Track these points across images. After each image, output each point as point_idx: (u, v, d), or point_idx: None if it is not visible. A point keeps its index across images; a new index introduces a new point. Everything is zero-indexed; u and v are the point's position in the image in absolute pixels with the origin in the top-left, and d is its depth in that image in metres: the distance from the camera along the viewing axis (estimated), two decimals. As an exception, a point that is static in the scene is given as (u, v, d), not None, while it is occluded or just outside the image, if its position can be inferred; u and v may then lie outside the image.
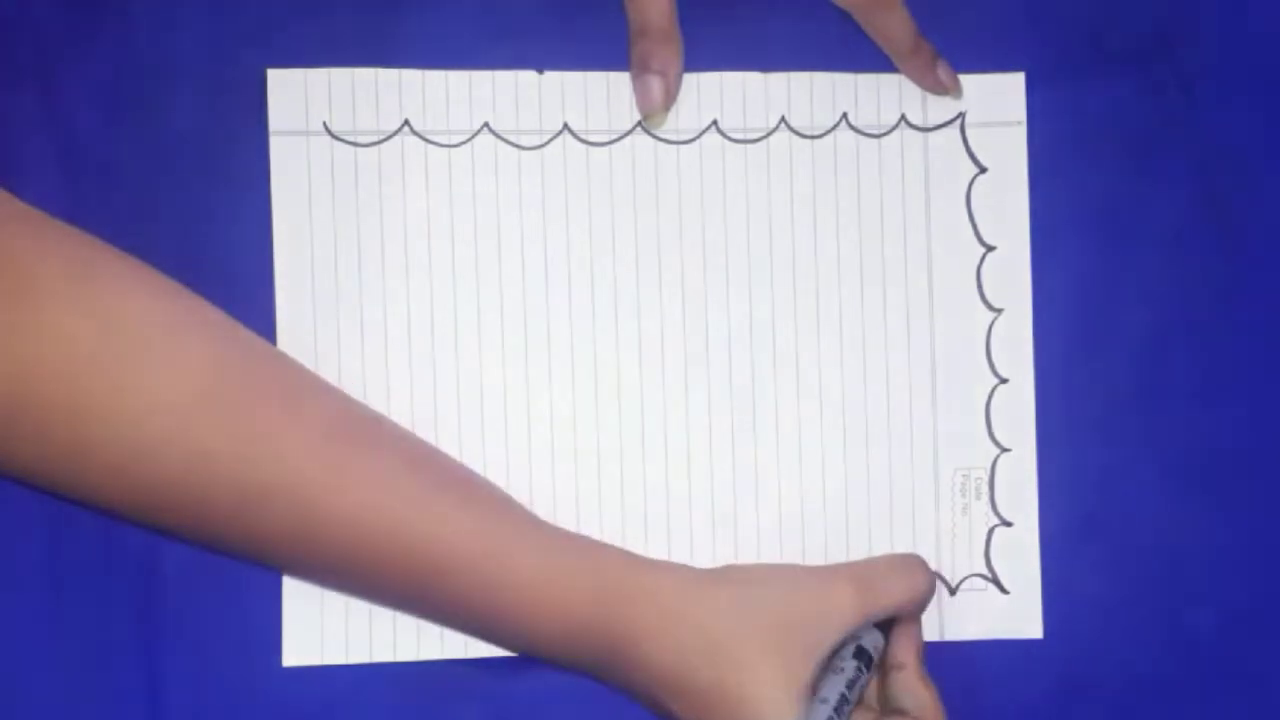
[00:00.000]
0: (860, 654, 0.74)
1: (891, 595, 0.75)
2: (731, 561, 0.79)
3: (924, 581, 0.76)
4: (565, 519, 0.78)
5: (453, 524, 0.72)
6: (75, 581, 0.77)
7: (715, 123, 0.80)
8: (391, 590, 0.73)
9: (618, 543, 0.78)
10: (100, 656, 0.77)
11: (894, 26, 0.79)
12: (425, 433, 0.78)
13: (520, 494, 0.78)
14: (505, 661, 0.78)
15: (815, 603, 0.73)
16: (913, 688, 0.75)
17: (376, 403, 0.78)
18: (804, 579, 0.74)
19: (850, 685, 0.73)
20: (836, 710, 0.72)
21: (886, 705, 0.76)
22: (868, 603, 0.74)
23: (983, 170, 0.80)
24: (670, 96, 0.79)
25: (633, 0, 0.78)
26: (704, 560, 0.79)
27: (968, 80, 0.80)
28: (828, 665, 0.73)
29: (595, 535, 0.78)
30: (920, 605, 0.77)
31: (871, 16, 0.79)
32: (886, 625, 0.76)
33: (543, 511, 0.78)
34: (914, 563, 0.77)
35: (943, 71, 0.80)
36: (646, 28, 0.78)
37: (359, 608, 0.78)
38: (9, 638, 0.77)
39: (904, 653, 0.76)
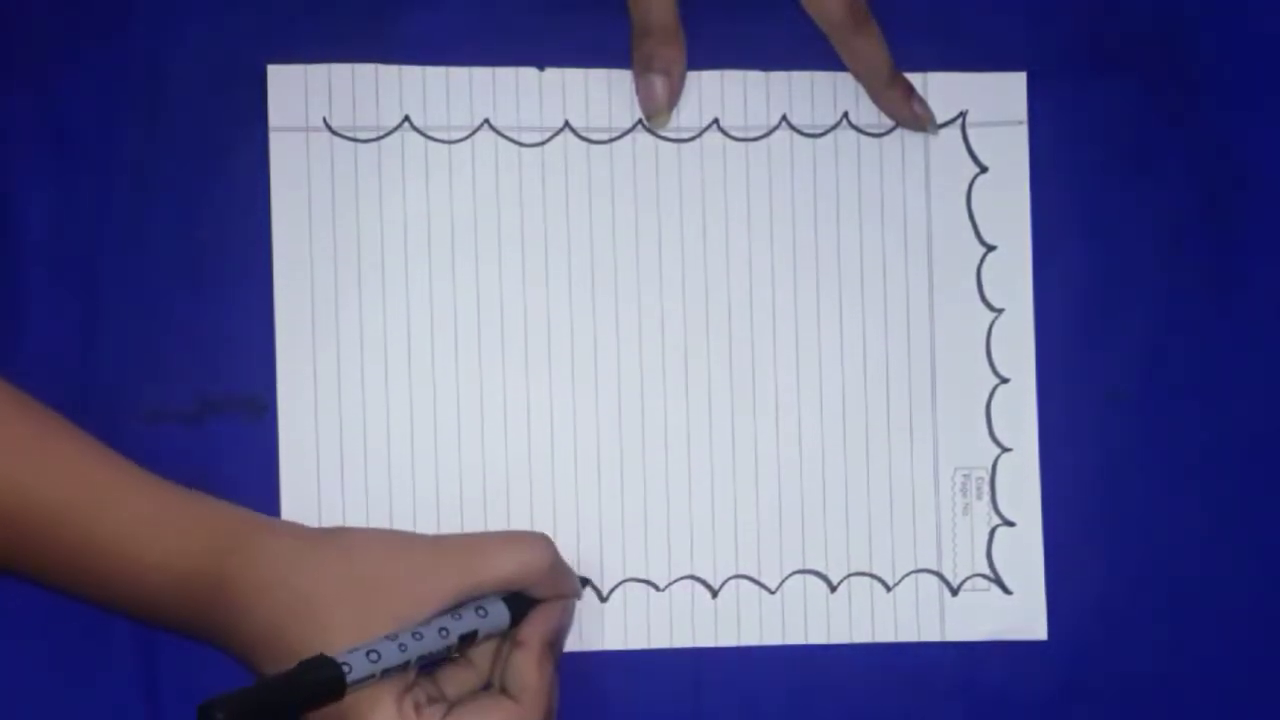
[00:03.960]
0: (457, 626, 0.72)
1: (496, 570, 0.73)
2: (732, 561, 0.79)
3: (537, 558, 0.74)
4: (564, 513, 0.78)
5: (55, 471, 0.71)
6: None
7: (716, 121, 0.80)
8: (8, 551, 0.72)
9: (617, 539, 0.78)
10: (100, 658, 0.76)
11: (871, 54, 0.79)
12: (423, 427, 0.78)
13: (519, 489, 0.78)
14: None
15: (412, 571, 0.72)
16: (522, 669, 0.73)
17: (374, 397, 0.78)
18: (406, 547, 0.73)
19: (419, 655, 0.71)
20: (387, 672, 0.70)
21: (500, 681, 0.74)
22: (467, 576, 0.72)
23: (983, 170, 0.81)
24: (674, 96, 0.79)
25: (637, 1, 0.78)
26: (705, 560, 0.79)
27: (968, 79, 0.80)
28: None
29: (593, 531, 0.78)
30: (540, 583, 0.74)
31: (849, 40, 0.78)
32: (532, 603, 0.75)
33: (541, 505, 0.78)
34: (529, 539, 0.75)
35: (919, 105, 0.80)
36: (650, 27, 0.78)
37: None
38: (9, 639, 0.76)
39: (528, 632, 0.74)
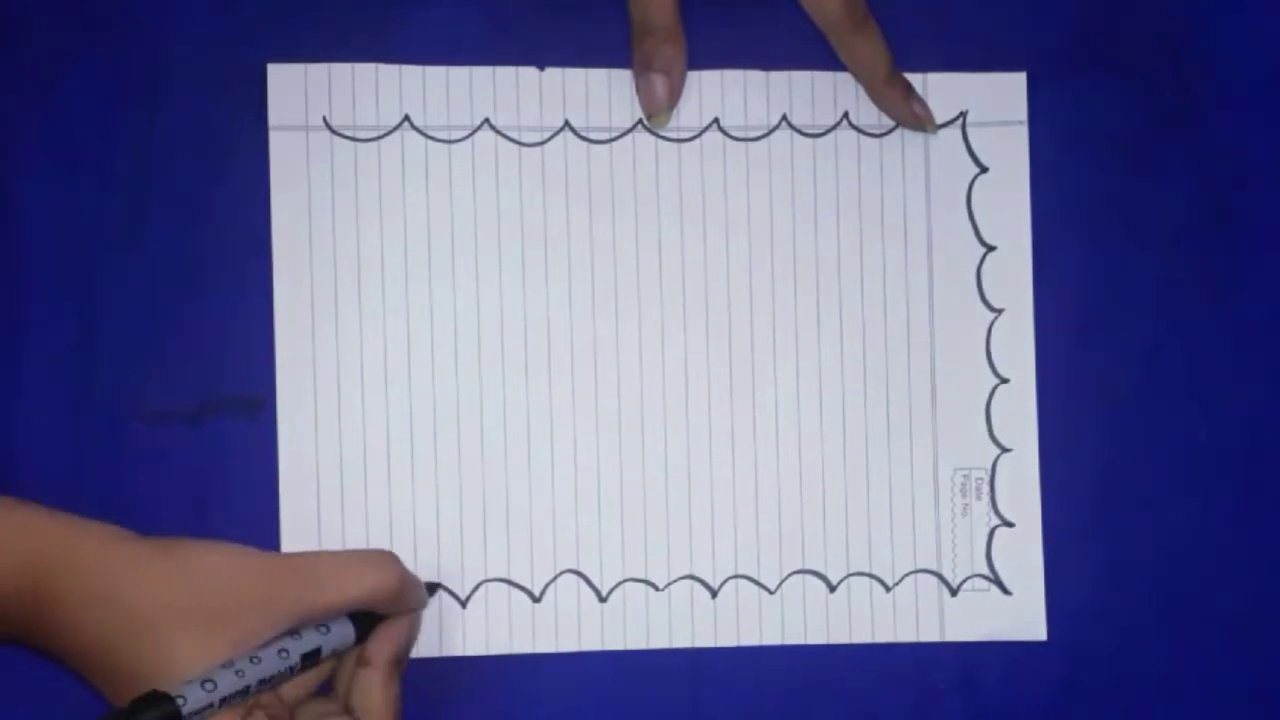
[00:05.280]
0: (298, 646, 0.71)
1: (341, 592, 0.71)
2: (731, 561, 0.78)
3: (384, 580, 0.72)
4: (563, 513, 0.78)
5: None
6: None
7: (717, 120, 0.80)
8: None
9: (615, 542, 0.78)
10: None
11: (869, 54, 0.78)
12: (423, 428, 0.78)
13: (518, 488, 0.78)
14: (504, 660, 0.78)
15: (254, 592, 0.70)
16: (368, 690, 0.72)
17: (374, 397, 0.78)
18: (248, 566, 0.70)
19: (258, 679, 0.70)
20: (225, 700, 0.69)
21: (345, 699, 0.74)
22: (311, 598, 0.71)
23: (983, 170, 0.80)
24: (674, 96, 0.79)
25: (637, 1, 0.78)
26: (704, 560, 0.79)
27: (968, 79, 0.80)
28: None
29: (592, 531, 0.78)
30: (391, 603, 0.73)
31: (847, 39, 0.78)
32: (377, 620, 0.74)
33: (540, 505, 0.77)
34: (377, 559, 0.73)
35: (918, 105, 0.79)
36: (650, 26, 0.78)
37: (356, 605, 0.77)
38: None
39: (374, 650, 0.73)
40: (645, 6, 0.78)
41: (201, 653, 0.69)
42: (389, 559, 0.74)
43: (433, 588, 0.77)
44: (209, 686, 0.68)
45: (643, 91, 0.79)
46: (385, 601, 0.73)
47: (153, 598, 0.69)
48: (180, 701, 0.67)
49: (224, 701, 0.69)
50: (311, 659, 0.72)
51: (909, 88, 0.79)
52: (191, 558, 0.70)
